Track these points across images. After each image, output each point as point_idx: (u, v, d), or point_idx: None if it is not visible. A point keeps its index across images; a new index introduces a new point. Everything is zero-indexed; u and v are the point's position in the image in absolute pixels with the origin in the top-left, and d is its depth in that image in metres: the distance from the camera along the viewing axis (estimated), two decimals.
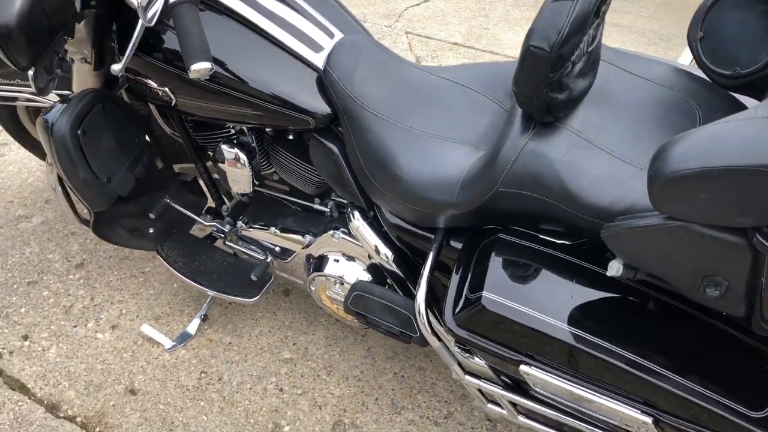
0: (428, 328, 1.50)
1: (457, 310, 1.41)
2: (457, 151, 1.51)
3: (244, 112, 1.63)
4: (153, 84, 1.66)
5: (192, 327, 2.14)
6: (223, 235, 2.03)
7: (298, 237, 1.90)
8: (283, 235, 1.93)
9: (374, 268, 1.79)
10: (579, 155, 1.31)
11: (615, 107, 1.40)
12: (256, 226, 1.97)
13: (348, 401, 1.97)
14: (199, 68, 1.33)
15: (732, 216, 1.02)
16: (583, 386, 1.33)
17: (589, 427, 1.46)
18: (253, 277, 1.95)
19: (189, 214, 2.05)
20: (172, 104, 1.68)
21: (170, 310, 2.22)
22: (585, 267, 1.36)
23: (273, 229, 1.93)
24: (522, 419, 1.58)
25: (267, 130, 1.77)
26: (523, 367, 1.36)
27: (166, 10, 1.42)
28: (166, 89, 1.65)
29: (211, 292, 2.02)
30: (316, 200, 1.92)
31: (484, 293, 1.35)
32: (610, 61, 1.48)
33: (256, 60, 1.60)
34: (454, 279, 1.45)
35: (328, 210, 1.89)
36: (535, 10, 3.84)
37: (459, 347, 1.52)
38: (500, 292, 1.35)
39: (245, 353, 2.10)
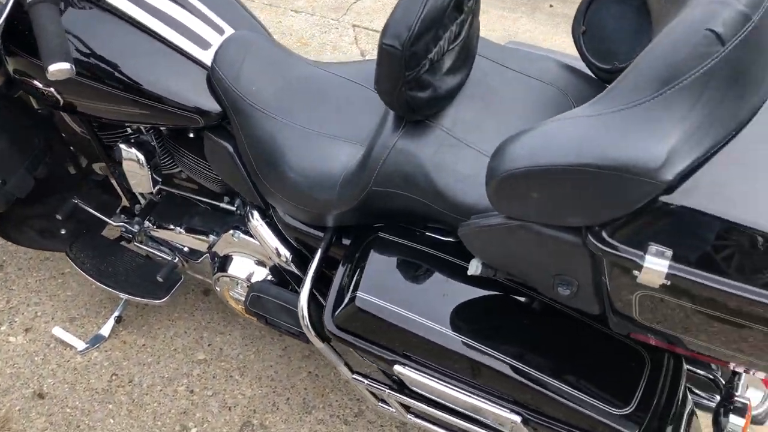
0: (311, 329, 1.49)
1: (336, 310, 1.40)
2: (342, 150, 1.50)
3: (132, 111, 1.61)
4: (39, 85, 1.64)
5: (106, 329, 2.12)
6: (131, 236, 2.01)
7: (203, 237, 1.89)
8: (189, 234, 1.91)
9: (275, 268, 1.79)
10: (448, 153, 1.31)
11: (490, 104, 1.40)
12: (163, 226, 1.96)
13: (259, 402, 1.97)
14: (57, 69, 1.31)
15: (563, 215, 1.01)
16: (453, 386, 1.33)
17: (471, 426, 1.46)
18: (160, 279, 1.94)
19: (97, 214, 2.03)
20: (60, 105, 1.66)
21: (86, 311, 2.20)
22: (460, 265, 1.35)
23: (178, 228, 1.92)
24: (411, 418, 1.58)
25: (161, 128, 1.75)
26: (397, 367, 1.36)
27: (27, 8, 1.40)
28: (52, 90, 1.63)
29: (120, 294, 2.00)
30: (225, 199, 1.91)
31: (359, 293, 1.35)
32: (489, 58, 1.47)
33: (140, 58, 1.58)
34: (336, 279, 1.45)
35: (235, 209, 1.88)
36: (487, 5, 3.84)
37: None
38: (375, 292, 1.35)
39: (158, 355, 2.09)
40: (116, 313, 2.16)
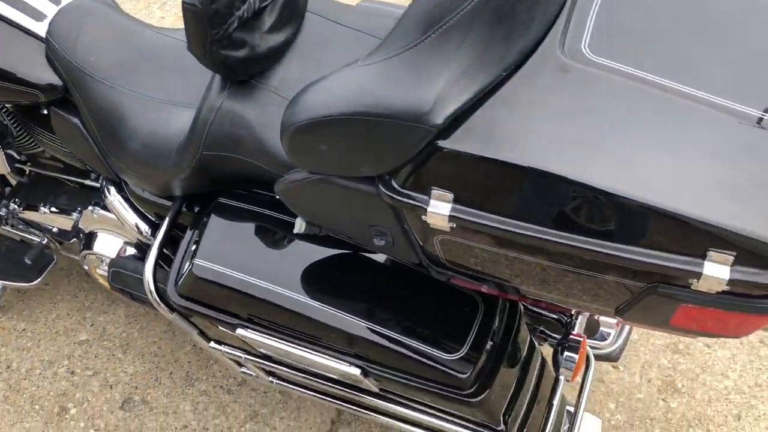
0: (158, 300, 1.49)
1: (178, 279, 1.40)
2: (180, 116, 1.48)
3: None
4: None
5: None
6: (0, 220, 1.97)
7: (69, 215, 1.86)
8: (55, 214, 1.88)
9: (137, 243, 1.77)
10: (274, 113, 1.30)
11: (321, 63, 1.39)
12: (30, 207, 1.92)
13: (141, 378, 1.96)
14: None
15: (354, 166, 1.02)
16: (294, 344, 1.34)
17: (328, 384, 1.48)
18: (27, 261, 1.90)
19: None
20: None
21: None
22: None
23: (44, 209, 1.88)
24: (275, 382, 1.59)
25: (7, 106, 1.71)
26: (239, 331, 1.36)
27: None
28: None
29: None
30: (92, 176, 1.87)
31: (196, 261, 1.35)
32: (322, 15, 1.46)
33: None
34: (180, 248, 1.44)
35: (99, 185, 1.85)
36: None
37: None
38: (213, 259, 1.34)
39: (39, 338, 2.06)
40: None
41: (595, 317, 1.61)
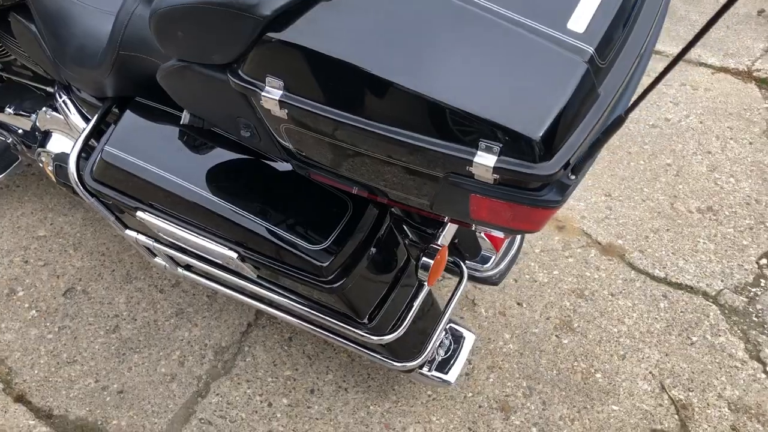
0: (79, 185, 1.67)
1: (93, 165, 1.58)
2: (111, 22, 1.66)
3: None
4: None
5: None
6: None
7: (28, 117, 2.06)
8: (17, 115, 2.08)
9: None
10: None
11: None
12: None
13: (86, 272, 2.17)
14: None
15: (207, 53, 1.19)
16: (183, 227, 1.51)
17: (224, 274, 1.65)
18: None
19: None
20: None
21: None
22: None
23: (8, 110, 2.09)
24: (182, 272, 1.77)
25: None
26: (139, 213, 1.55)
27: None
28: None
29: None
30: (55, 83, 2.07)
31: (106, 147, 1.53)
32: None
33: None
34: (101, 140, 1.62)
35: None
36: None
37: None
38: (120, 147, 1.53)
39: (2, 231, 2.28)
40: None
41: (479, 239, 1.76)
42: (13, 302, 2.09)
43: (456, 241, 1.74)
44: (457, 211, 1.19)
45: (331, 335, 1.62)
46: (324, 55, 1.08)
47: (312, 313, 1.57)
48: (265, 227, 1.42)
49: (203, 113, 1.40)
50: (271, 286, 1.59)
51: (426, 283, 1.56)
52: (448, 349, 1.78)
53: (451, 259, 1.72)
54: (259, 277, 1.56)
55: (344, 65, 1.07)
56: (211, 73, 1.22)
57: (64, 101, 1.87)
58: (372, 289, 1.52)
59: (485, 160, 1.03)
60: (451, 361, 1.77)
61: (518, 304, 2.11)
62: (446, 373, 1.72)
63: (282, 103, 1.14)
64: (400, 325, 1.55)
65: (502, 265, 1.78)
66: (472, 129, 1.03)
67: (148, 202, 1.53)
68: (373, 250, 1.47)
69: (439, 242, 1.55)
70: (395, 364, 1.58)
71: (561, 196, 1.06)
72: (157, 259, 1.81)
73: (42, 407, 1.85)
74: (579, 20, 1.10)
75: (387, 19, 1.11)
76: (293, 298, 1.58)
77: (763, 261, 2.24)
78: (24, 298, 2.10)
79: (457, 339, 1.80)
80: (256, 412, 1.85)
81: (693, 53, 3.11)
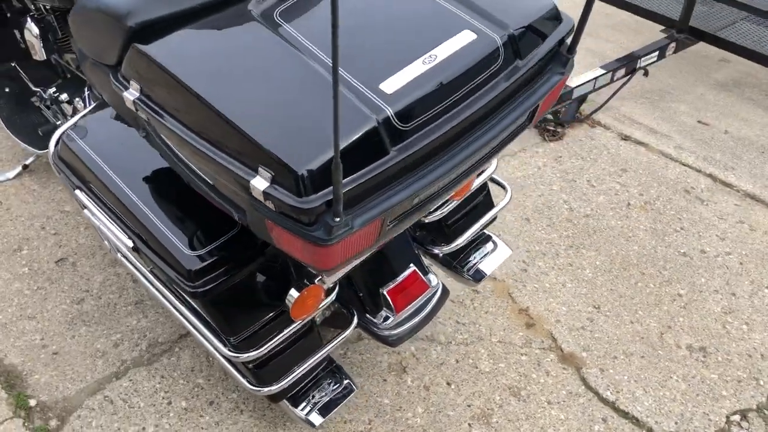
0: (56, 163, 1.90)
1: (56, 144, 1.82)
2: None
3: None
4: None
5: (12, 172, 2.71)
6: (44, 101, 2.57)
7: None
8: (56, 96, 2.42)
9: None
10: None
11: None
12: (66, 96, 2.49)
13: (84, 249, 2.45)
14: None
15: (100, 53, 1.40)
16: (102, 210, 1.69)
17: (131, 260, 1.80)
18: (40, 133, 2.47)
19: (26, 80, 2.62)
20: None
21: (4, 156, 2.80)
22: None
23: (65, 95, 2.45)
24: (119, 257, 1.96)
25: (48, 8, 2.29)
26: (76, 191, 1.76)
27: None
28: None
29: (20, 144, 2.56)
30: None
31: (68, 131, 1.77)
32: None
33: None
34: (66, 124, 1.87)
35: None
36: None
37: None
38: (79, 133, 1.76)
39: (39, 198, 2.63)
40: (25, 162, 2.73)
41: (382, 296, 1.77)
42: (15, 257, 2.39)
43: (361, 295, 1.77)
44: (267, 237, 1.27)
45: (205, 342, 1.71)
46: (164, 69, 1.24)
47: (188, 317, 1.67)
48: (158, 225, 1.56)
49: (110, 104, 1.60)
50: (160, 285, 1.71)
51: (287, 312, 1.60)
52: (332, 392, 1.79)
53: (335, 305, 1.75)
54: (151, 271, 1.70)
55: (177, 81, 1.22)
56: (105, 70, 1.42)
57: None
58: (244, 309, 1.59)
59: (259, 183, 1.13)
60: (330, 407, 1.78)
61: (447, 383, 2.07)
62: (309, 414, 1.73)
63: (135, 104, 1.30)
64: (260, 348, 1.60)
65: (400, 330, 1.77)
66: (255, 153, 1.13)
67: (86, 186, 1.73)
68: (251, 271, 1.55)
69: (316, 280, 1.59)
70: (247, 384, 1.63)
71: (327, 236, 1.12)
72: (106, 241, 2.01)
73: None
74: (392, 84, 1.18)
75: (224, 51, 1.26)
76: (176, 299, 1.69)
77: (735, 418, 2.02)
78: (25, 256, 2.40)
79: (345, 389, 1.80)
80: (154, 405, 1.96)
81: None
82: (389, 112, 1.16)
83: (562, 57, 1.42)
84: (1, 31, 2.53)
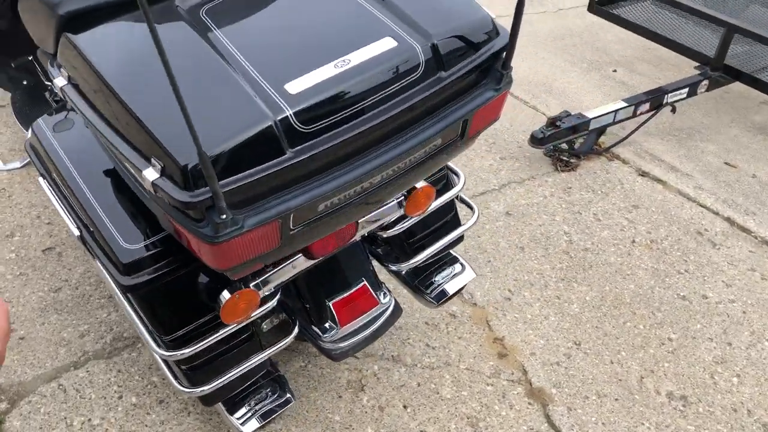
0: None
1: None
2: None
3: None
4: None
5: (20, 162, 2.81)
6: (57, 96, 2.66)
7: None
8: None
9: None
10: None
11: None
12: None
13: (72, 241, 2.50)
14: None
15: (42, 40, 1.43)
16: (57, 199, 1.72)
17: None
18: None
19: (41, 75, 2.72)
20: None
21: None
22: None
23: None
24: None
25: None
26: (39, 178, 1.79)
27: None
28: None
29: None
30: None
31: (39, 120, 1.81)
32: None
33: None
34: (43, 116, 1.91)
35: None
36: None
37: None
38: (48, 125, 1.80)
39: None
40: None
41: (328, 308, 1.73)
42: (6, 242, 2.47)
43: (307, 305, 1.74)
44: (172, 231, 1.26)
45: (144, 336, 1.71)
46: (85, 58, 1.26)
47: (129, 311, 1.67)
48: (101, 217, 1.57)
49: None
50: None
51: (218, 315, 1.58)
52: (269, 402, 1.76)
53: (276, 314, 1.72)
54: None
55: (94, 70, 1.24)
56: (48, 58, 1.46)
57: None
58: (180, 308, 1.58)
59: (149, 174, 1.13)
60: (266, 417, 1.75)
61: (404, 406, 2.01)
62: (243, 423, 1.70)
63: (62, 91, 1.33)
64: (189, 348, 1.58)
65: (344, 344, 1.73)
66: (149, 144, 1.13)
67: (48, 174, 1.76)
68: (188, 269, 1.54)
69: (251, 285, 1.56)
70: (176, 384, 1.62)
71: (214, 233, 1.11)
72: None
73: None
74: (298, 85, 1.17)
75: (142, 45, 1.27)
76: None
77: None
78: (15, 242, 2.47)
79: (283, 400, 1.77)
80: (105, 398, 1.97)
81: None
82: (288, 112, 1.14)
83: (496, 72, 1.37)
84: (20, 25, 2.63)
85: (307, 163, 1.16)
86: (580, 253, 2.63)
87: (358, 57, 1.22)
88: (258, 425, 1.71)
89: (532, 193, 2.94)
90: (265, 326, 1.78)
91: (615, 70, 4.00)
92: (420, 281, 1.97)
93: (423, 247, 1.84)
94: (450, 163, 1.88)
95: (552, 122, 3.02)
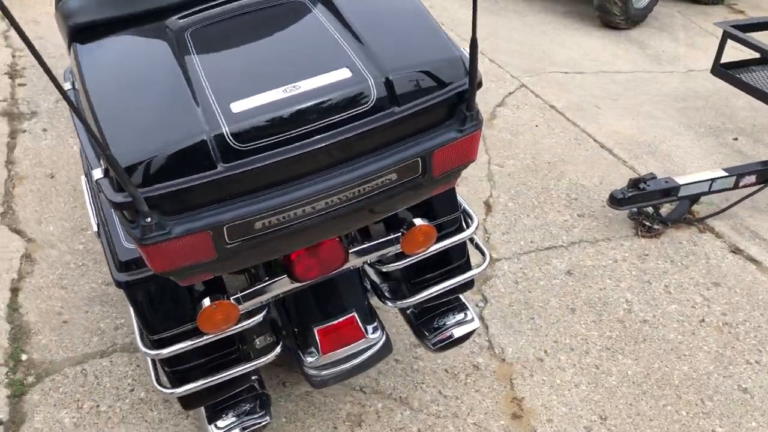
0: None
1: None
2: None
3: None
4: None
5: None
6: None
7: None
8: None
9: None
10: None
11: None
12: None
13: None
14: None
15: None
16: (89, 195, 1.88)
17: None
18: None
19: None
20: None
21: None
22: None
23: None
24: None
25: None
26: (82, 177, 1.97)
27: None
28: None
29: None
30: None
31: None
32: None
33: None
34: None
35: None
36: None
37: None
38: None
39: None
40: None
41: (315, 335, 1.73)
42: (80, 235, 2.71)
43: (295, 329, 1.76)
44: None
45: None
46: (79, 66, 1.39)
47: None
48: (113, 216, 1.68)
49: None
50: None
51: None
52: (245, 418, 1.78)
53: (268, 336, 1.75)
54: None
55: (82, 78, 1.36)
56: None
57: None
58: (167, 311, 1.65)
59: (96, 173, 1.23)
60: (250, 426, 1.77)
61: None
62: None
63: (65, 96, 1.47)
64: (166, 348, 1.63)
65: (325, 372, 1.73)
66: (99, 145, 1.22)
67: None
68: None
69: (232, 298, 1.59)
70: (154, 381, 1.68)
71: (141, 236, 1.18)
72: None
73: None
74: (243, 104, 1.23)
75: (127, 59, 1.39)
76: None
77: None
78: (87, 236, 2.70)
79: (258, 417, 1.78)
80: (117, 388, 2.10)
81: None
82: (225, 129, 1.20)
83: (461, 113, 1.34)
84: None
85: (240, 179, 1.20)
86: (636, 324, 2.45)
87: (308, 84, 1.26)
88: None
89: (602, 255, 2.79)
90: (258, 343, 1.82)
91: (736, 138, 3.73)
92: (423, 323, 1.92)
93: (424, 288, 1.80)
94: (465, 206, 1.84)
95: (634, 183, 2.86)
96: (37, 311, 2.35)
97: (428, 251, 1.73)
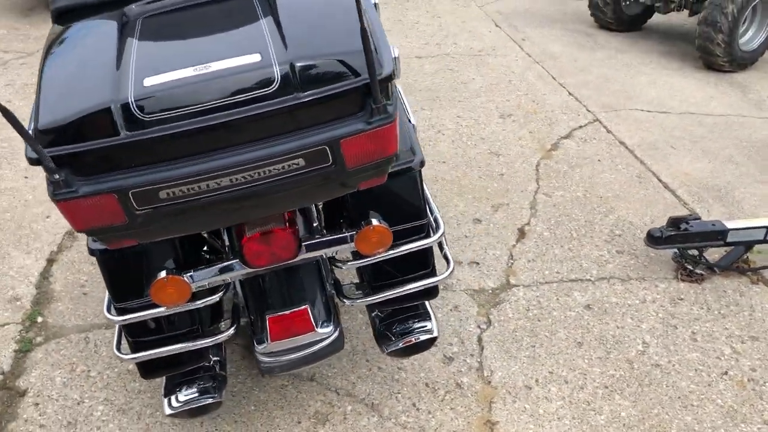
0: None
1: None
2: None
3: None
4: None
5: None
6: None
7: None
8: None
9: None
10: None
11: None
12: None
13: None
14: None
15: None
16: None
17: None
18: None
19: None
20: None
21: None
22: None
23: None
24: None
25: None
26: None
27: None
28: None
29: None
30: None
31: None
32: None
33: None
34: None
35: None
36: None
37: None
38: None
39: None
40: None
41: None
42: None
43: (251, 316, 1.83)
44: None
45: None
46: (46, 44, 1.55)
47: None
48: None
49: None
50: None
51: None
52: (198, 396, 1.86)
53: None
54: None
55: (43, 53, 1.53)
56: None
57: None
58: (134, 281, 1.76)
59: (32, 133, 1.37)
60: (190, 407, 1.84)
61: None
62: (167, 402, 1.82)
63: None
64: (123, 317, 1.73)
65: (271, 359, 1.78)
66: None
67: None
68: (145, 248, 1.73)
69: (185, 275, 1.68)
70: (114, 348, 1.79)
71: (52, 191, 1.31)
72: None
73: None
74: (156, 79, 1.35)
75: (82, 39, 1.53)
76: None
77: None
78: None
79: (210, 397, 1.85)
80: (110, 358, 2.24)
81: None
82: (130, 99, 1.30)
83: (369, 107, 1.37)
84: None
85: (142, 148, 1.30)
86: (646, 366, 2.31)
87: (218, 65, 1.34)
88: (171, 411, 1.82)
89: (630, 293, 2.66)
90: (224, 326, 1.89)
91: None
92: (384, 327, 1.93)
93: (379, 288, 1.82)
94: (438, 215, 1.85)
95: (674, 222, 2.71)
96: (63, 281, 2.57)
97: (388, 254, 1.75)
